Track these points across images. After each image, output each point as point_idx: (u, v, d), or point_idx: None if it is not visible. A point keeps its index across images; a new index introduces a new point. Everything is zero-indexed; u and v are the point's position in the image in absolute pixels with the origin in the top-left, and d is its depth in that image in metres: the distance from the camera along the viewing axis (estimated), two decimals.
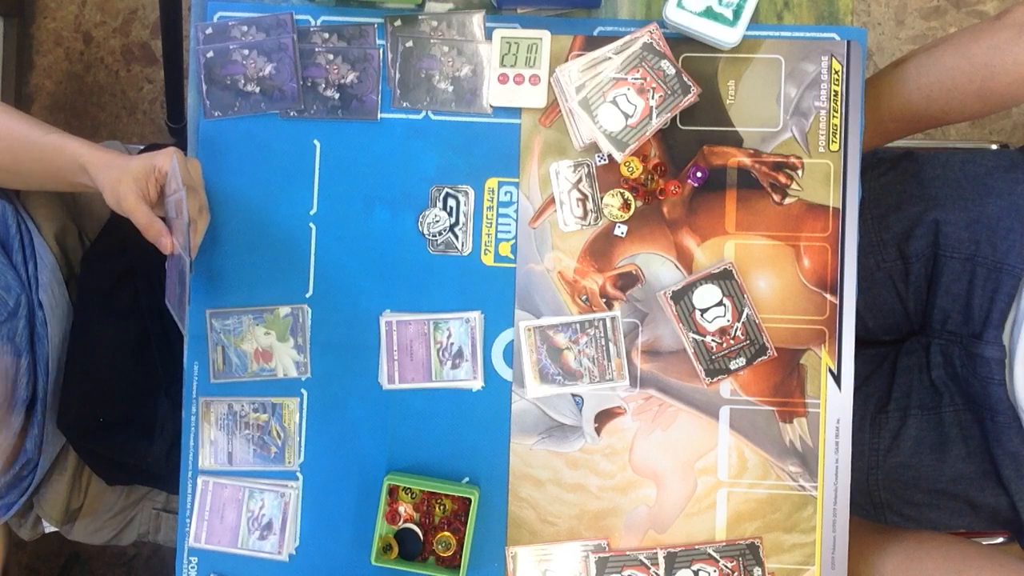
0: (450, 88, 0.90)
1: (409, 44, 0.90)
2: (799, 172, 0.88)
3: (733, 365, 0.87)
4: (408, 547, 0.89)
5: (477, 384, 0.89)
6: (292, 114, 0.90)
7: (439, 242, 0.90)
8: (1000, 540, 1.10)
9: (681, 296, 0.87)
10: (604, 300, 0.89)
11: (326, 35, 0.90)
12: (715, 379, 0.87)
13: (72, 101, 1.68)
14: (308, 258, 0.90)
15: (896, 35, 1.62)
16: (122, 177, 0.80)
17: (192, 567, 0.90)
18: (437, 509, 0.88)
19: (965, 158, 1.03)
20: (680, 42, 0.88)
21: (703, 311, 0.87)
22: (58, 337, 0.96)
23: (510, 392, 0.89)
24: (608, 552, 0.88)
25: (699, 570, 0.87)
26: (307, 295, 0.90)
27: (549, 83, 0.89)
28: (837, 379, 0.87)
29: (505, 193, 0.90)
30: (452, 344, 0.89)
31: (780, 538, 0.87)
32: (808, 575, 0.87)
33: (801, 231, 0.88)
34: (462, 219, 0.89)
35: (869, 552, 0.95)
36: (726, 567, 0.87)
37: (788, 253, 0.88)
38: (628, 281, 0.89)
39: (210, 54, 0.90)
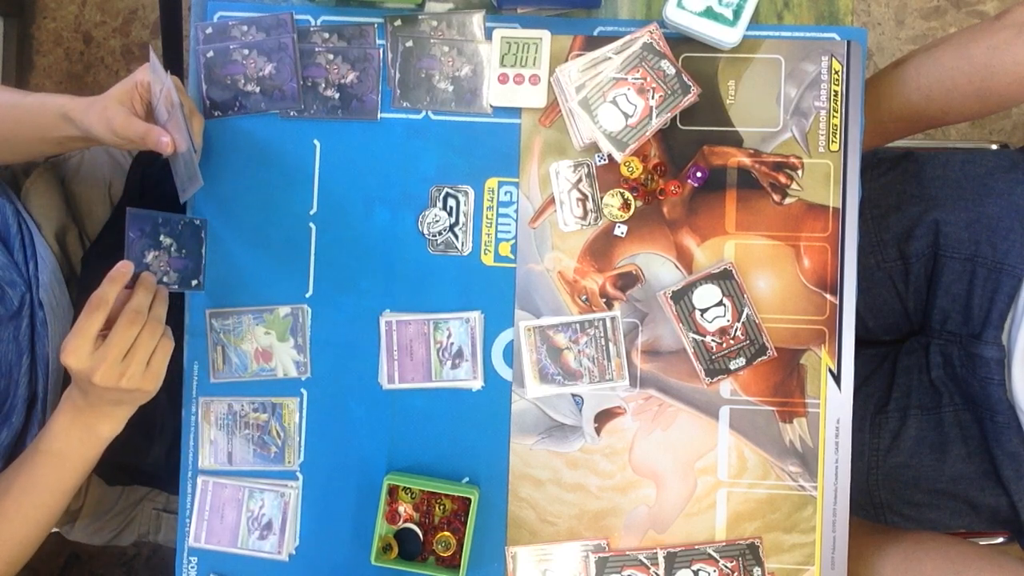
0: (450, 88, 0.90)
1: (409, 44, 0.90)
2: (799, 172, 0.88)
3: (733, 365, 0.87)
4: (408, 547, 0.89)
5: (477, 384, 0.89)
6: (292, 114, 0.90)
7: (439, 242, 0.90)
8: (1000, 540, 1.10)
9: (681, 296, 0.87)
10: (604, 300, 0.89)
11: (326, 35, 0.90)
12: (715, 379, 0.87)
13: None
14: (308, 258, 0.90)
15: (896, 35, 1.62)
16: (107, 104, 0.81)
17: (192, 567, 0.90)
18: (437, 509, 0.88)
19: (965, 158, 1.03)
20: (680, 42, 0.88)
21: (703, 311, 0.87)
22: (58, 337, 0.96)
23: (510, 392, 0.89)
24: (608, 552, 0.88)
25: (699, 570, 0.87)
26: (307, 295, 0.90)
27: (549, 83, 0.89)
28: (837, 379, 0.87)
29: (505, 193, 0.90)
30: (452, 344, 0.89)
31: (780, 538, 0.87)
32: (808, 575, 0.87)
33: (801, 231, 0.88)
34: (462, 219, 0.89)
35: (869, 552, 0.95)
36: (726, 567, 0.87)
37: (788, 253, 0.88)
38: (628, 281, 0.89)
39: (210, 54, 0.90)
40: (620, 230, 0.89)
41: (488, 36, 0.89)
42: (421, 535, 0.89)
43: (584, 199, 0.89)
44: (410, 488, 0.88)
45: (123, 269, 0.78)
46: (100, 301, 0.76)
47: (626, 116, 0.86)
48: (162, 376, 0.81)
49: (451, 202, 0.90)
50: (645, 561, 0.87)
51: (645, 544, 0.88)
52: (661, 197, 0.88)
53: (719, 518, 0.88)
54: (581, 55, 0.88)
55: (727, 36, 0.86)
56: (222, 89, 0.90)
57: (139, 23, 1.69)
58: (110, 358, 0.76)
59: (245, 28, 0.90)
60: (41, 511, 0.84)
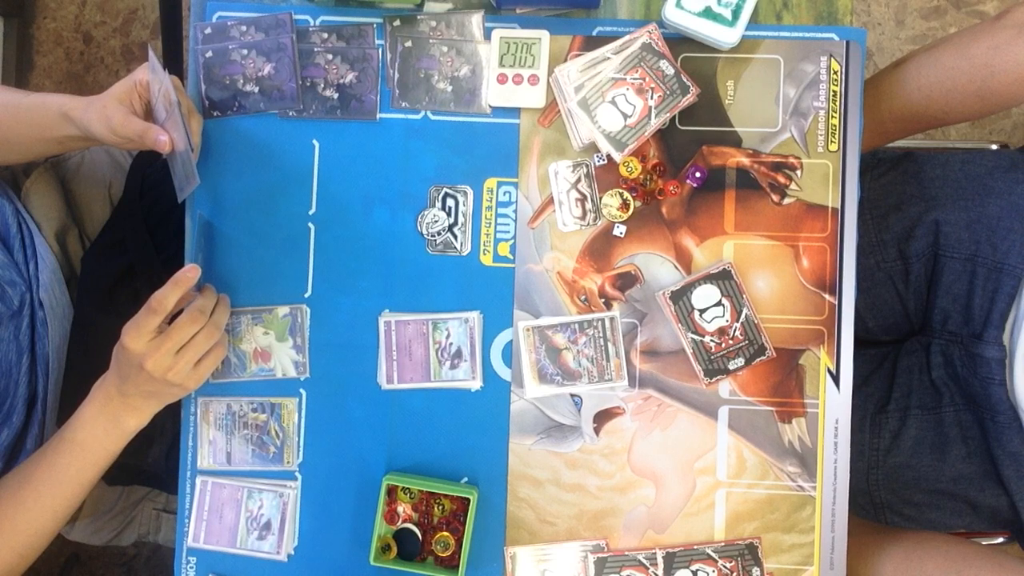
0: (449, 88, 0.90)
1: (408, 44, 0.90)
2: (798, 172, 0.88)
3: (732, 365, 0.87)
4: (407, 547, 0.89)
5: (476, 384, 0.89)
6: (291, 114, 0.90)
7: (438, 242, 0.90)
8: (1000, 540, 1.09)
9: (680, 296, 0.87)
10: (603, 300, 0.89)
11: (325, 35, 0.90)
12: (714, 379, 0.87)
13: None
14: (307, 258, 0.90)
15: (896, 35, 1.62)
16: (106, 103, 0.82)
17: (191, 567, 0.90)
18: (436, 509, 0.88)
19: (965, 158, 1.03)
20: (679, 42, 0.88)
21: (702, 311, 0.87)
22: (58, 337, 0.96)
23: (509, 392, 0.89)
24: (607, 552, 0.88)
25: (698, 570, 0.87)
26: (306, 295, 0.90)
27: (548, 83, 0.89)
28: (836, 379, 0.87)
29: (504, 193, 0.90)
30: (451, 344, 0.89)
31: (779, 538, 0.87)
32: (807, 575, 0.87)
33: (800, 231, 0.88)
34: (461, 219, 0.89)
35: (868, 552, 0.95)
36: (725, 567, 0.87)
37: (787, 253, 0.88)
38: (627, 281, 0.89)
39: (209, 54, 0.90)
40: (619, 230, 0.88)
41: (487, 36, 0.89)
42: (420, 535, 0.88)
43: (583, 199, 0.89)
44: (409, 488, 0.88)
45: (189, 274, 0.80)
46: (159, 306, 0.78)
47: (625, 116, 0.86)
48: (204, 379, 0.85)
49: (450, 202, 0.90)
50: (644, 561, 0.87)
51: (644, 544, 0.88)
52: (660, 197, 0.88)
53: (718, 518, 0.88)
54: (580, 55, 0.88)
55: (726, 36, 0.86)
56: (221, 89, 0.90)
57: (139, 23, 1.70)
58: (164, 348, 0.79)
59: (244, 28, 0.90)
60: (59, 501, 0.85)
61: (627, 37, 0.88)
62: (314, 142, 0.91)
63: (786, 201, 0.88)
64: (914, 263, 1.02)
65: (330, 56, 0.90)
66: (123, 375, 0.82)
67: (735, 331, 0.87)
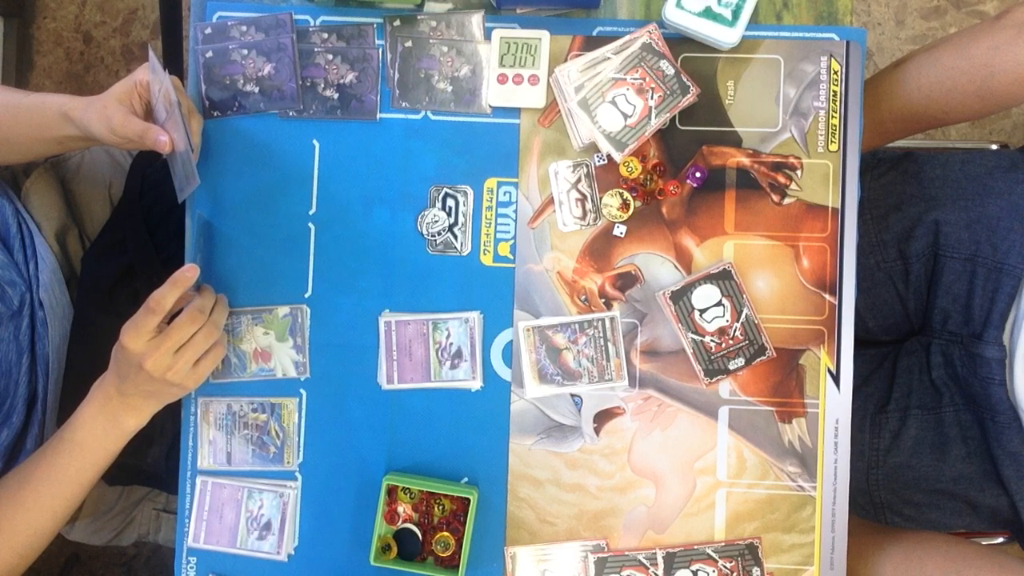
0: (449, 88, 0.90)
1: (408, 44, 0.90)
2: (798, 172, 0.88)
3: (732, 365, 0.87)
4: (407, 547, 0.89)
5: (476, 384, 0.89)
6: (291, 114, 0.90)
7: (438, 242, 0.90)
8: (1000, 540, 1.09)
9: (680, 296, 0.87)
10: (603, 300, 0.89)
11: (325, 35, 0.90)
12: (714, 379, 0.87)
13: None
14: (307, 258, 0.90)
15: (896, 35, 1.62)
16: (106, 103, 0.82)
17: (191, 567, 0.90)
18: (436, 509, 0.88)
19: (965, 158, 1.03)
20: (679, 42, 0.88)
21: (702, 311, 0.87)
22: (58, 337, 0.96)
23: (509, 392, 0.89)
24: (607, 552, 0.88)
25: (698, 570, 0.87)
26: (306, 295, 0.90)
27: (548, 83, 0.89)
28: (836, 379, 0.87)
29: (504, 193, 0.90)
30: (451, 344, 0.89)
31: (779, 538, 0.87)
32: (807, 575, 0.87)
33: (800, 231, 0.88)
34: (461, 219, 0.89)
35: (869, 552, 0.95)
36: (725, 567, 0.87)
37: (787, 253, 0.88)
38: (627, 281, 0.89)
39: (209, 54, 0.90)
40: (619, 230, 0.88)
41: (487, 36, 0.89)
42: (420, 535, 0.89)
43: (583, 199, 0.89)
44: (409, 488, 0.88)
45: (188, 274, 0.80)
46: (158, 306, 0.79)
47: (625, 116, 0.86)
48: (203, 379, 0.85)
49: (450, 202, 0.90)
50: (644, 561, 0.87)
51: (644, 544, 0.88)
52: (660, 197, 0.88)
53: (718, 518, 0.88)
54: (580, 55, 0.88)
55: (726, 36, 0.86)
56: (221, 89, 0.90)
57: (139, 23, 1.70)
58: (164, 348, 0.79)
59: (244, 28, 0.90)
60: (59, 501, 0.85)
61: (627, 37, 0.88)
62: (314, 142, 0.91)
63: (786, 201, 0.88)
64: (914, 263, 1.02)
65: (330, 56, 0.90)
66: (122, 375, 0.82)
67: (735, 331, 0.87)
